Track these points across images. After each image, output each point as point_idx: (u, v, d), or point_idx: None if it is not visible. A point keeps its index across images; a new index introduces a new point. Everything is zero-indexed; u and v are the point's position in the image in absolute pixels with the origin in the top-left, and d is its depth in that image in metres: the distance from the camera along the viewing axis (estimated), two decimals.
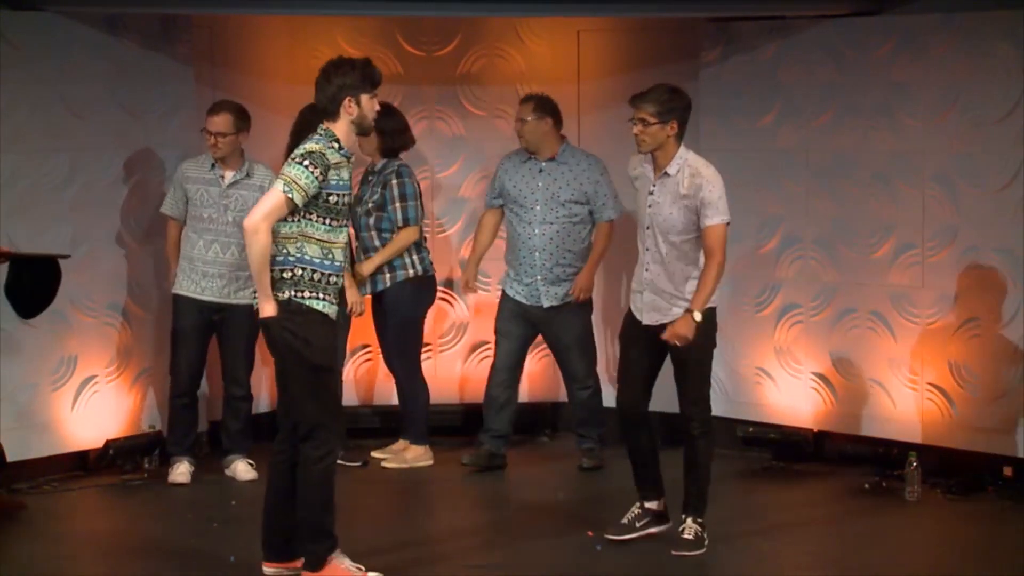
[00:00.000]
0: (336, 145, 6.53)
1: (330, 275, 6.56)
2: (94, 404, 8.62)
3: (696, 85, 8.83)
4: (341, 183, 6.53)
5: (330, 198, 6.50)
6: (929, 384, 8.48)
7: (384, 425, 9.45)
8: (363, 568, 6.69)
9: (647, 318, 7.21)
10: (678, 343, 7.01)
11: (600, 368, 9.06)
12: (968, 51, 8.25)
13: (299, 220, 6.50)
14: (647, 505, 7.35)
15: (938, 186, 8.41)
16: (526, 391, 9.47)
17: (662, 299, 7.18)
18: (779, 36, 8.93)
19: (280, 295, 6.51)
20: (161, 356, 8.76)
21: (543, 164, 8.73)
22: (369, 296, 8.91)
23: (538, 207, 8.69)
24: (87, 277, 8.47)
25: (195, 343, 8.57)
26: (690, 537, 7.19)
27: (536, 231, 8.69)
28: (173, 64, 8.92)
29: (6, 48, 8.17)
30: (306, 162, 6.44)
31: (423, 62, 9.70)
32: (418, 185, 8.88)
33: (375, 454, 9.10)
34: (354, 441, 9.11)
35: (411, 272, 8.85)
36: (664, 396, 7.36)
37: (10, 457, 8.01)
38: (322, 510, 6.64)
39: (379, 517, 8.03)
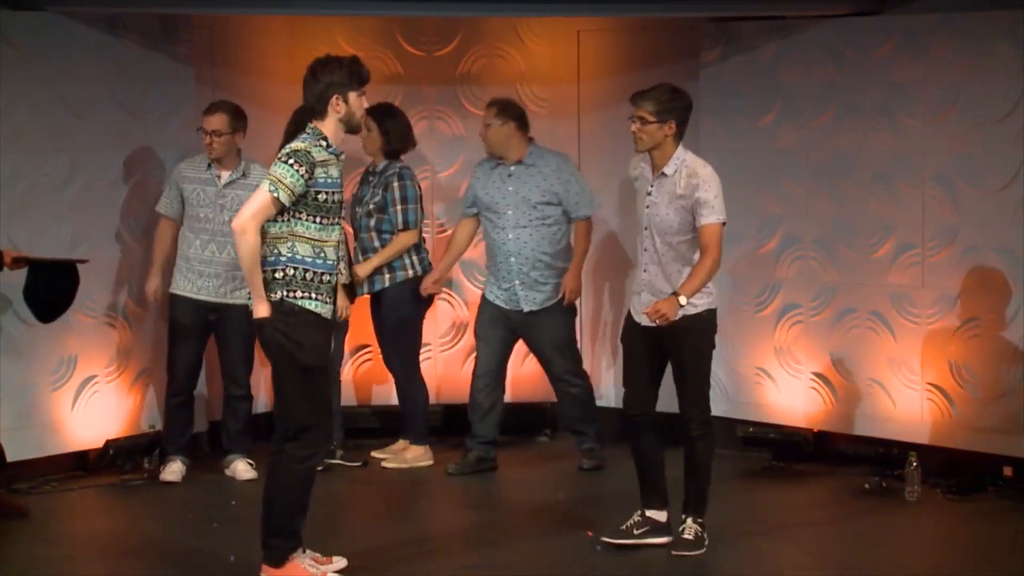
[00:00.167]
0: (324, 143, 6.51)
1: (322, 274, 6.55)
2: (94, 404, 8.62)
3: (696, 85, 8.82)
4: (330, 180, 6.50)
5: (319, 196, 6.48)
6: (929, 384, 8.47)
7: (384, 425, 9.44)
8: (324, 569, 6.69)
9: (646, 319, 7.20)
10: (658, 321, 6.97)
11: (587, 366, 9.06)
12: (968, 51, 8.25)
13: (289, 219, 6.48)
14: (648, 513, 7.31)
15: (938, 186, 8.40)
16: (524, 391, 9.47)
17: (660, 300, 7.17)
18: (779, 36, 8.93)
19: (272, 295, 6.49)
20: (161, 356, 8.75)
21: (511, 168, 8.68)
22: (368, 296, 8.92)
23: (510, 212, 8.65)
24: (87, 277, 8.45)
25: (191, 342, 8.57)
26: (690, 537, 7.18)
27: (510, 236, 8.64)
28: (173, 64, 8.92)
29: (6, 48, 8.17)
30: (291, 160, 6.42)
31: (423, 62, 9.70)
32: (419, 188, 8.87)
33: (375, 454, 9.10)
34: (354, 441, 9.11)
35: (411, 272, 8.85)
36: (664, 396, 7.35)
37: (10, 457, 8.00)
38: (296, 510, 6.63)
39: (379, 517, 8.03)
